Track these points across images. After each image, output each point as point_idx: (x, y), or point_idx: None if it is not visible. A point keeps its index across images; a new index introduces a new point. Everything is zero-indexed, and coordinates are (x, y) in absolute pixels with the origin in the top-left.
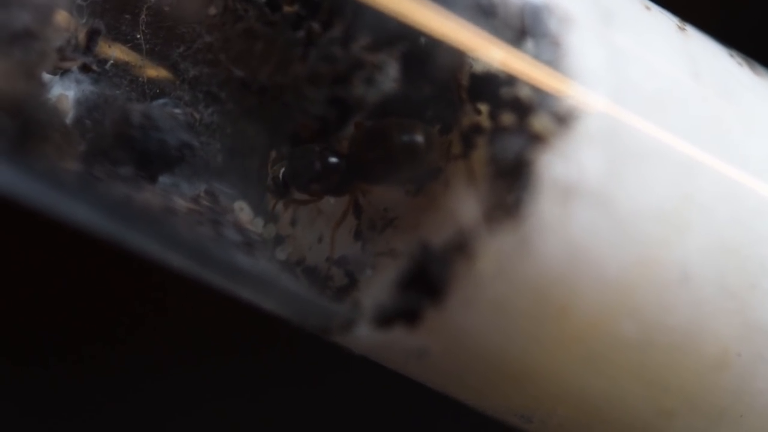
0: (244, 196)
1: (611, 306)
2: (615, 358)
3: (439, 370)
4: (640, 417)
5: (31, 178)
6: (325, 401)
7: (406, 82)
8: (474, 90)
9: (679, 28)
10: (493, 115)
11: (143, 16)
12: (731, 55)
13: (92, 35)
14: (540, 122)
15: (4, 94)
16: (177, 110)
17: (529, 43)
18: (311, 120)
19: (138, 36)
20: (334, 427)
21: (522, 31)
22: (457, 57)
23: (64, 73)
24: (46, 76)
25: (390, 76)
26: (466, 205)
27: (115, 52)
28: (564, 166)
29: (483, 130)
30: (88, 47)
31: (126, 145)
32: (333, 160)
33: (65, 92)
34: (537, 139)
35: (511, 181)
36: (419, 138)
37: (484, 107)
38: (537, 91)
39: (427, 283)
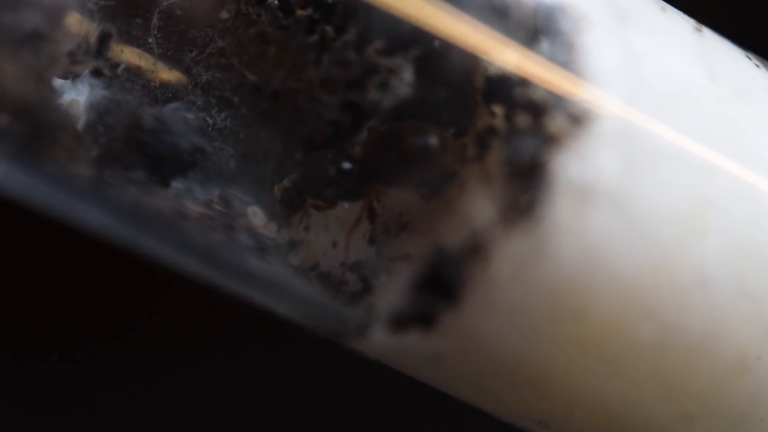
0: (258, 201)
1: (628, 308)
2: (632, 361)
3: (455, 375)
4: (658, 421)
5: (42, 182)
6: (326, 401)
7: (421, 86)
8: (488, 92)
9: (696, 29)
10: (508, 117)
11: (155, 20)
12: (748, 57)
13: (103, 39)
14: (555, 123)
15: (14, 98)
16: (189, 115)
17: (544, 44)
18: (325, 125)
19: (150, 40)
20: (335, 427)
21: (536, 32)
22: (471, 59)
23: (75, 77)
24: (57, 81)
25: (404, 80)
26: (481, 207)
27: (127, 56)
28: (580, 168)
29: (498, 133)
30: (100, 51)
31: (138, 150)
32: (347, 165)
33: (76, 97)
34: (552, 141)
35: (527, 183)
36: (433, 141)
37: (498, 109)
38: (552, 92)
39: (442, 286)
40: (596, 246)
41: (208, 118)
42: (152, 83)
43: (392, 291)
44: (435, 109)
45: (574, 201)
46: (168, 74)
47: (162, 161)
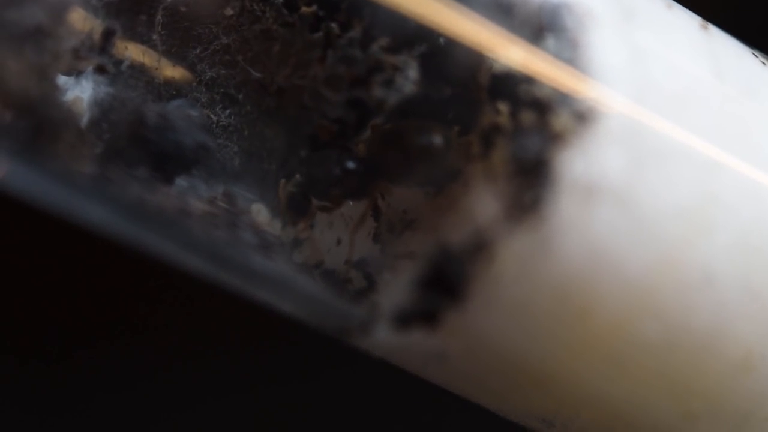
0: (262, 198)
1: (634, 306)
2: (638, 360)
3: (459, 373)
4: (663, 420)
5: (45, 179)
6: (329, 396)
7: (426, 84)
8: (493, 89)
9: (702, 26)
10: (513, 115)
11: (159, 17)
12: (755, 55)
13: (107, 36)
14: (561, 121)
15: (17, 94)
16: (194, 112)
17: (549, 42)
18: (330, 122)
19: (154, 37)
20: (339, 423)
21: (541, 29)
22: (476, 56)
23: (78, 74)
24: (61, 78)
25: (409, 77)
26: (485, 205)
27: (131, 53)
28: (585, 166)
29: (503, 130)
30: (103, 48)
31: (142, 147)
32: (351, 163)
33: (80, 94)
34: (558, 138)
35: (532, 181)
36: (437, 139)
37: (503, 107)
38: (557, 89)
39: (446, 284)
40: (602, 244)
41: (212, 115)
42: (156, 80)
43: (396, 289)
44: (440, 107)
45: (580, 199)
46: (172, 71)
47: (166, 158)
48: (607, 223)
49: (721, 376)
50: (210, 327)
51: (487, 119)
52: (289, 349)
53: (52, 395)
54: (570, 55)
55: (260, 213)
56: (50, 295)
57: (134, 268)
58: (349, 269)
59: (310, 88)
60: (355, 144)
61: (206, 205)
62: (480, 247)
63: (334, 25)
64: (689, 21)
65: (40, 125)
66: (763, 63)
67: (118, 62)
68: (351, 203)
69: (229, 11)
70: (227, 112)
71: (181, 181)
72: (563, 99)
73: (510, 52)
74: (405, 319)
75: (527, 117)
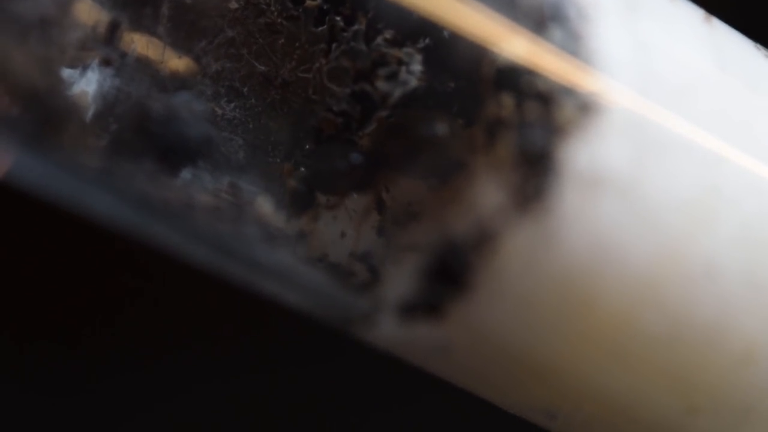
0: (267, 191)
1: (637, 299)
2: (640, 353)
3: (463, 365)
4: (665, 414)
5: (50, 172)
6: (326, 385)
7: (430, 77)
8: (497, 82)
9: (705, 19)
10: (517, 107)
11: (164, 10)
12: (757, 48)
13: (113, 28)
14: (564, 113)
15: (23, 86)
16: (199, 104)
17: (552, 33)
18: (334, 115)
19: (159, 29)
20: (335, 412)
21: (545, 21)
22: (480, 49)
23: (84, 66)
24: (66, 70)
25: (413, 70)
26: (490, 197)
27: (136, 45)
28: (589, 157)
29: (507, 123)
30: (109, 40)
31: (147, 140)
32: (355, 156)
33: (85, 86)
34: (561, 130)
35: (536, 172)
36: (442, 131)
37: (507, 99)
38: (561, 81)
39: (451, 276)
40: (605, 236)
41: (217, 109)
42: (161, 73)
43: (401, 280)
44: (444, 100)
45: (584, 190)
46: (177, 64)
47: (171, 150)
48: (610, 215)
49: (723, 370)
50: (206, 315)
51: (492, 111)
52: (285, 337)
53: (43, 381)
54: (574, 46)
55: (265, 205)
56: (41, 284)
57: (129, 253)
58: (354, 262)
59: (314, 81)
60: (360, 137)
61: (211, 197)
62: (485, 238)
63: (338, 18)
64: (692, 13)
65: (45, 117)
66: (766, 56)
67: (123, 54)
68: (355, 196)
69: (233, 4)
70: (232, 105)
71: (186, 173)
72: (567, 91)
73: (514, 43)
74: (409, 311)
75: (531, 109)
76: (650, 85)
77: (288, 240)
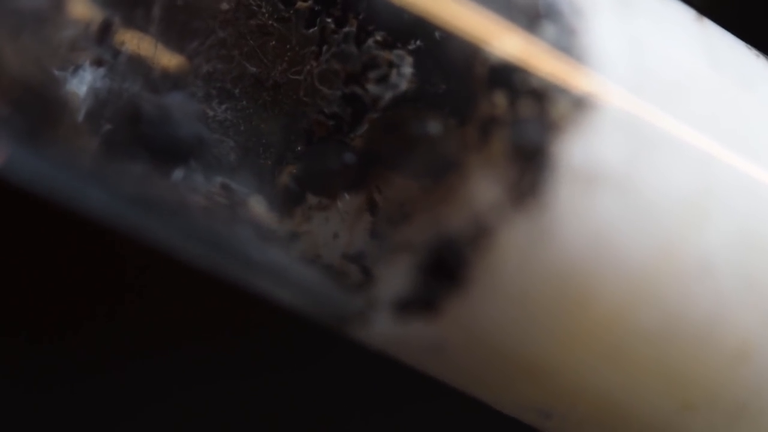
0: (259, 191)
1: (633, 295)
2: (636, 350)
3: (458, 363)
4: (661, 412)
5: (43, 169)
6: (321, 385)
7: (421, 79)
8: (491, 80)
9: (697, 18)
10: (511, 105)
11: (156, 10)
12: (748, 48)
13: (105, 28)
14: (559, 109)
15: (15, 85)
16: (190, 106)
17: (546, 30)
18: (326, 117)
19: (151, 30)
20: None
21: (538, 18)
22: (472, 47)
23: (75, 66)
24: (58, 69)
25: (404, 73)
26: (485, 194)
27: (128, 45)
28: (584, 153)
29: (501, 120)
30: (101, 40)
31: (139, 140)
32: (347, 156)
33: (77, 86)
34: (556, 126)
35: (531, 169)
36: (434, 129)
37: (501, 97)
38: (555, 78)
39: (446, 271)
40: (601, 232)
41: (208, 110)
42: (153, 73)
43: (395, 279)
44: (436, 101)
45: (578, 186)
46: (169, 64)
47: (163, 151)
48: (606, 211)
49: (717, 367)
50: (200, 312)
51: (485, 110)
52: (282, 335)
53: (36, 378)
54: (567, 43)
55: (256, 206)
56: (36, 282)
57: (122, 250)
58: (347, 263)
59: (305, 83)
60: (351, 139)
61: (203, 198)
62: (480, 234)
63: (329, 20)
64: (684, 12)
65: (37, 116)
66: (757, 55)
67: (115, 54)
68: (347, 197)
69: (225, 5)
70: (223, 106)
71: (178, 174)
72: (561, 86)
73: (507, 41)
74: (404, 308)
75: (525, 106)
76: (645, 82)
77: (280, 241)
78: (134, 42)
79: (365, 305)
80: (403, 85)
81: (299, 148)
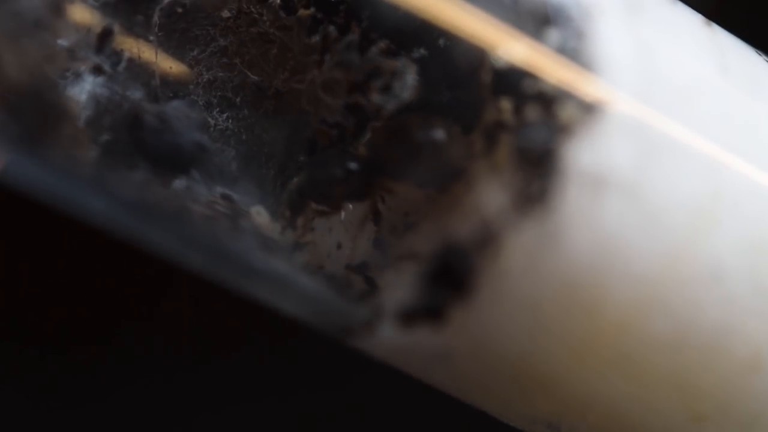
0: (262, 201)
1: (642, 302)
2: (646, 358)
3: (464, 374)
4: (671, 423)
5: (42, 177)
6: (333, 403)
7: (425, 87)
8: (497, 86)
9: (705, 23)
10: (518, 110)
11: (156, 18)
12: (757, 53)
13: (104, 36)
14: (566, 114)
15: (14, 92)
16: (191, 114)
17: (554, 35)
18: (328, 126)
19: (151, 38)
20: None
21: (546, 22)
22: (478, 53)
23: (75, 74)
24: (58, 77)
25: (409, 80)
26: (492, 198)
27: (128, 54)
28: (593, 157)
29: (507, 126)
30: (100, 48)
31: (139, 149)
32: (351, 165)
33: (77, 94)
34: (564, 131)
35: (538, 174)
36: (438, 137)
37: (507, 103)
38: (563, 83)
39: (453, 279)
40: (609, 237)
41: (209, 119)
42: (153, 81)
43: (400, 289)
44: (441, 109)
45: (587, 191)
46: (169, 72)
47: (163, 160)
48: (614, 216)
49: (729, 376)
50: (211, 328)
51: (491, 116)
52: (292, 352)
53: (46, 394)
54: (575, 48)
55: (259, 216)
56: (50, 292)
57: (133, 266)
58: (350, 273)
59: (308, 92)
60: (354, 148)
61: (206, 207)
62: (487, 240)
63: (332, 28)
64: (693, 17)
65: (35, 123)
66: (766, 60)
67: (115, 63)
68: (351, 207)
69: (226, 13)
70: (225, 115)
71: (179, 183)
72: (569, 92)
73: (513, 46)
74: (410, 317)
75: (532, 111)
76: (654, 86)
77: (283, 251)
78: (134, 50)
79: (370, 315)
80: (407, 94)
81: (302, 158)
